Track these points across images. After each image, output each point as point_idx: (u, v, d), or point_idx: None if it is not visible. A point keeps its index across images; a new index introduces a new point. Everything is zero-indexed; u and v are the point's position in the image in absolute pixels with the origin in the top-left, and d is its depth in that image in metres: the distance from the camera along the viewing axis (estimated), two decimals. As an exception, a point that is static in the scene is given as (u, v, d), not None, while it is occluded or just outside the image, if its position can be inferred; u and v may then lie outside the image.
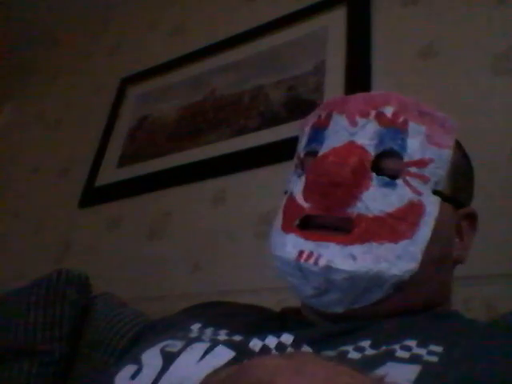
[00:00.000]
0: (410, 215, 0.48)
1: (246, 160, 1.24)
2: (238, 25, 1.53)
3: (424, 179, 0.50)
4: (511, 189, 0.86)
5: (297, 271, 0.49)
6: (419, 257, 0.48)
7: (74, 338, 0.95)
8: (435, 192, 0.51)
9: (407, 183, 0.49)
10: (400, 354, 0.40)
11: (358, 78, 1.15)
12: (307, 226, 0.51)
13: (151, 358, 0.45)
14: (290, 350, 0.43)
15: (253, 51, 1.45)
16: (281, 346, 0.44)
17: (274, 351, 0.43)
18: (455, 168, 0.54)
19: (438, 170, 0.51)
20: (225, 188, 1.24)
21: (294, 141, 0.62)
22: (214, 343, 0.44)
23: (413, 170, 0.50)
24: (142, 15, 1.97)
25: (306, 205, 0.51)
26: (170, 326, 0.56)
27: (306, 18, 1.38)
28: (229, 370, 0.28)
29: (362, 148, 0.50)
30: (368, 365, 0.39)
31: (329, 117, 0.54)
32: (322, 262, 0.47)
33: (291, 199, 0.54)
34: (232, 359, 0.42)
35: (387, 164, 0.51)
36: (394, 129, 0.51)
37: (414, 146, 0.50)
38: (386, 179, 0.49)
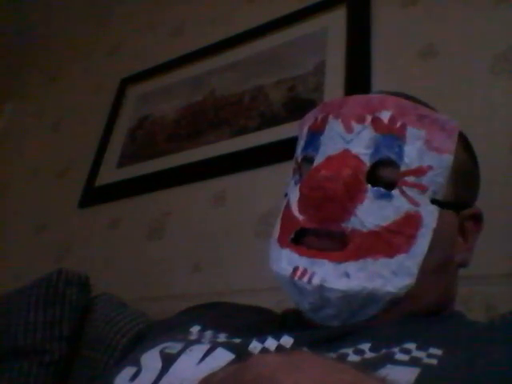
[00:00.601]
0: (406, 228, 0.47)
1: (246, 160, 1.24)
2: (238, 25, 1.53)
3: (422, 188, 0.48)
4: (511, 188, 0.87)
5: (293, 287, 0.49)
6: (415, 271, 0.47)
7: (74, 338, 0.95)
8: (433, 201, 0.49)
9: (404, 194, 0.48)
10: (399, 356, 0.40)
11: (358, 78, 1.15)
12: (304, 235, 0.50)
13: (150, 360, 0.45)
14: None
15: (253, 51, 1.44)
16: (281, 349, 0.44)
17: None
18: (457, 169, 0.52)
19: (437, 178, 0.49)
20: (225, 188, 1.24)
21: (293, 141, 0.62)
22: (214, 345, 0.44)
23: (410, 179, 0.48)
24: (142, 15, 1.97)
25: (300, 217, 0.50)
26: (170, 328, 0.56)
27: (306, 18, 1.38)
28: (228, 368, 0.28)
29: (357, 157, 0.49)
30: (367, 367, 0.39)
31: (325, 120, 0.53)
32: (316, 281, 0.46)
33: (288, 208, 0.54)
34: (231, 361, 0.42)
35: (383, 173, 0.49)
36: (391, 136, 0.49)
37: (412, 153, 0.49)
38: (382, 191, 0.48)
